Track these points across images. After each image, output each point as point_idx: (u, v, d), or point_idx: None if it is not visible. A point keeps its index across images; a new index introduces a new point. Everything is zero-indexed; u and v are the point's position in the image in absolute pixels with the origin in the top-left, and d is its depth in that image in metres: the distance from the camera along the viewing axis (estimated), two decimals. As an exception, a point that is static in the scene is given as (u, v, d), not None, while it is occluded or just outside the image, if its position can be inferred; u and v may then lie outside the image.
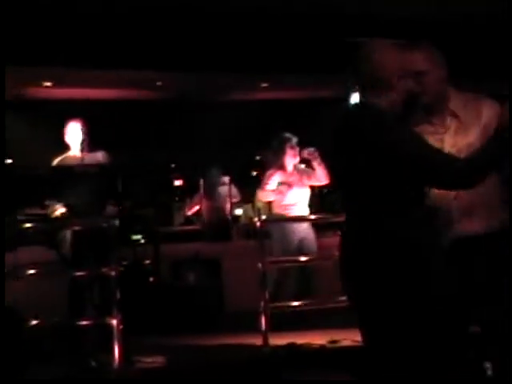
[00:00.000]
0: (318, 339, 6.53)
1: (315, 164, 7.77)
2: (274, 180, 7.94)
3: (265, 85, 11.76)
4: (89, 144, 7.16)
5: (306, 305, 6.97)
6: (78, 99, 11.07)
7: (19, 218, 8.30)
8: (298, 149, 7.93)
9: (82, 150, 7.01)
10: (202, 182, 10.45)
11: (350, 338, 6.10)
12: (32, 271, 6.69)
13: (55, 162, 7.25)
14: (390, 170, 3.25)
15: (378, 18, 9.46)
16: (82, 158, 6.96)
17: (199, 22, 9.65)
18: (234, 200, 10.63)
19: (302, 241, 7.82)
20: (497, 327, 3.61)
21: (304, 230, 7.88)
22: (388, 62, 3.36)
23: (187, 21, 9.61)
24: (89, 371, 5.98)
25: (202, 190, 10.48)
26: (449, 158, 3.32)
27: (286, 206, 7.96)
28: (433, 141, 3.57)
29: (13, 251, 6.69)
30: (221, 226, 10.28)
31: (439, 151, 3.30)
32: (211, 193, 10.49)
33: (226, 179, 10.43)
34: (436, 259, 3.32)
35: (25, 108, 10.88)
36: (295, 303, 7.06)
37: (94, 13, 9.17)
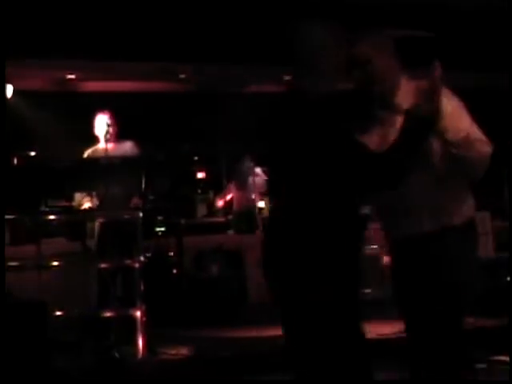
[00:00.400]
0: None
1: None
2: None
3: (288, 78, 11.72)
4: (116, 135, 7.16)
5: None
6: (101, 92, 11.08)
7: (43, 209, 8.33)
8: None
9: (107, 141, 6.98)
10: (229, 171, 10.41)
11: (374, 331, 6.07)
12: (56, 262, 6.72)
13: (85, 154, 7.27)
14: (318, 169, 3.09)
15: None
16: (107, 149, 6.93)
17: (223, 13, 9.63)
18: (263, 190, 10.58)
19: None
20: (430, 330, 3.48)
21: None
22: (330, 48, 3.20)
23: (211, 13, 9.60)
24: (112, 362, 6.00)
25: (233, 180, 10.45)
26: (373, 158, 3.13)
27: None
28: (376, 136, 3.43)
29: (37, 243, 6.71)
30: (249, 217, 10.24)
31: (364, 151, 3.14)
32: (242, 182, 10.43)
33: (258, 169, 10.38)
34: (356, 263, 3.23)
35: (48, 101, 10.89)
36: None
37: (118, 5, 9.19)
